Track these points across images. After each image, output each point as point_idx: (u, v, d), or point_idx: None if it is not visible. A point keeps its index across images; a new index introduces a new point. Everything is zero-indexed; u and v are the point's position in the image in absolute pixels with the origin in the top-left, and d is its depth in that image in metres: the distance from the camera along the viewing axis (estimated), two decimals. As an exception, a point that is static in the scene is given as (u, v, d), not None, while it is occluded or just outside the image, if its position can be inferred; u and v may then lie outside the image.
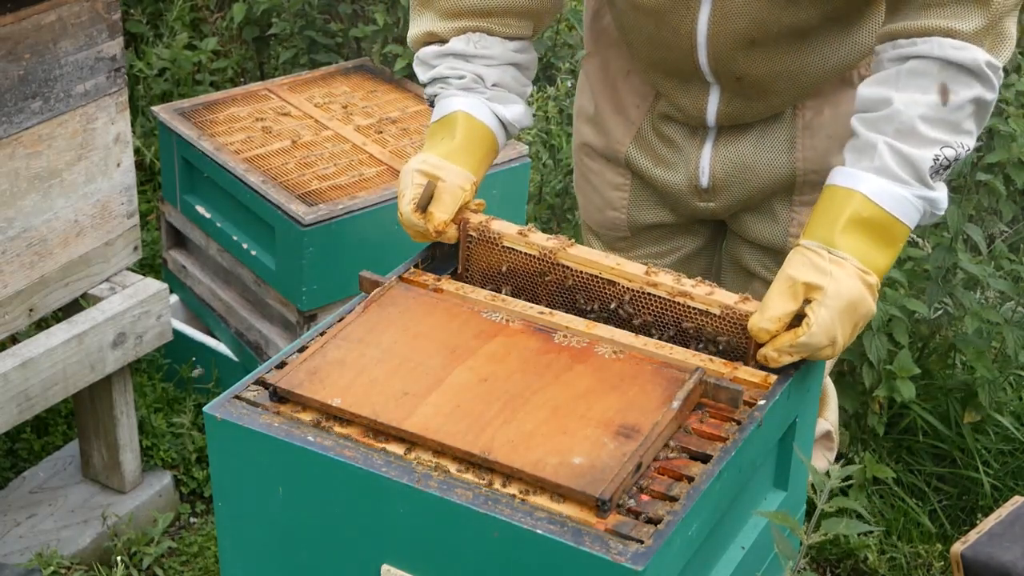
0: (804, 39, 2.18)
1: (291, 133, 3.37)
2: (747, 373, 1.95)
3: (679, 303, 2.03)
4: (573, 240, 2.13)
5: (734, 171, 2.36)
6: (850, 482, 2.99)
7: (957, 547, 2.40)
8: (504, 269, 2.15)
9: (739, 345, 2.00)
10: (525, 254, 2.14)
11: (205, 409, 1.88)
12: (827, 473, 1.77)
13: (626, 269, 2.08)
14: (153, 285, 2.88)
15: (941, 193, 2.01)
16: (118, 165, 2.79)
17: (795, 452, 2.04)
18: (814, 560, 3.02)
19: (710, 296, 2.02)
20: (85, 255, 2.79)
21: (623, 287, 2.07)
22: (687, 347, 2.03)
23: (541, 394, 1.86)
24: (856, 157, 2.01)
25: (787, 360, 1.93)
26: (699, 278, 2.06)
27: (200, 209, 3.37)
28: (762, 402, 1.89)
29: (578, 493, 1.69)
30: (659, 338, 2.05)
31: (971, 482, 3.17)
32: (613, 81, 2.45)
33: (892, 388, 3.10)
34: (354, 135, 3.39)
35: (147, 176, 4.22)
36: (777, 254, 2.41)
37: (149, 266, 3.81)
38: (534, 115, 4.06)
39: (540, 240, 2.13)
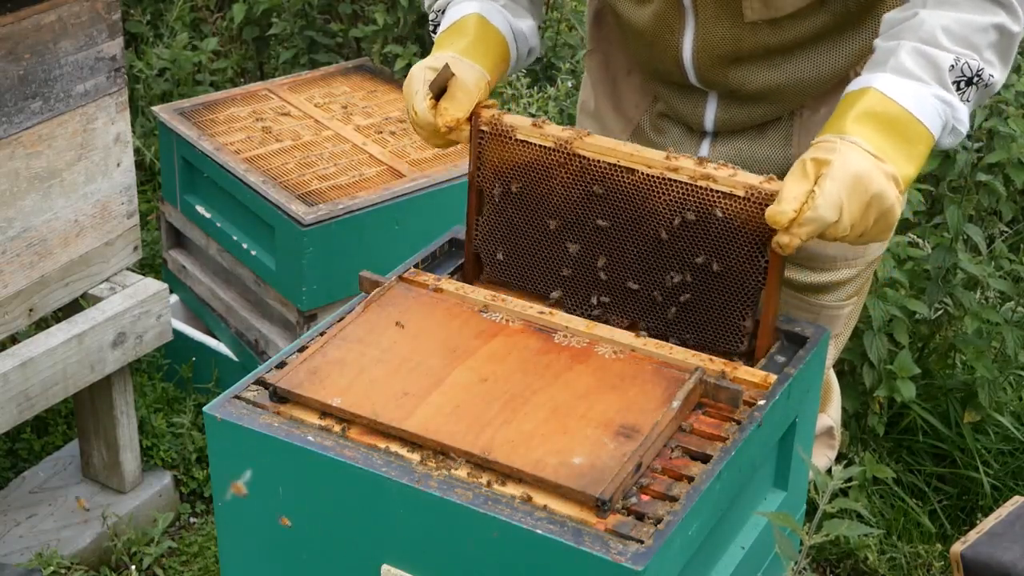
0: (793, 54, 2.19)
1: (291, 133, 3.37)
2: (747, 373, 1.95)
3: (702, 187, 1.96)
4: (588, 131, 2.06)
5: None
6: (851, 483, 2.99)
7: (957, 547, 2.39)
8: (518, 164, 2.09)
9: (763, 230, 1.93)
10: (540, 147, 2.07)
11: (205, 409, 1.88)
12: (828, 471, 1.77)
13: (645, 155, 2.01)
14: (153, 285, 2.88)
15: (964, 107, 1.95)
16: (118, 165, 2.79)
17: (795, 452, 2.04)
18: (814, 560, 3.01)
19: (733, 178, 1.95)
20: (85, 255, 2.79)
21: (643, 174, 2.01)
22: (707, 235, 1.97)
23: (541, 394, 1.86)
24: (872, 67, 1.97)
25: (798, 242, 1.87)
26: (722, 161, 2.00)
27: (200, 209, 3.37)
28: (762, 402, 1.89)
29: (578, 493, 1.69)
30: (679, 224, 1.99)
31: (971, 482, 3.16)
32: (614, 78, 2.46)
33: (892, 388, 3.10)
34: (354, 135, 3.39)
35: (147, 176, 4.22)
36: None
37: (149, 266, 3.81)
38: (533, 115, 4.06)
39: (555, 131, 2.07)
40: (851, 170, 1.85)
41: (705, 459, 1.80)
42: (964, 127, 1.98)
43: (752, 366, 1.99)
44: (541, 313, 2.05)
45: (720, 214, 1.96)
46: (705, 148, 2.35)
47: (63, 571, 2.83)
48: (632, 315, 2.08)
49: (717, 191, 1.95)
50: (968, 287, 3.31)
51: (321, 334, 2.01)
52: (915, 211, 3.21)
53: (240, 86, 3.93)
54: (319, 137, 3.37)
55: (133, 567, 2.87)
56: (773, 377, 1.94)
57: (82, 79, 2.65)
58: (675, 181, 1.98)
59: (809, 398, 2.06)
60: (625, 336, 2.00)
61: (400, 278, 2.13)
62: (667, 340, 2.03)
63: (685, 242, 2.00)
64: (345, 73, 3.76)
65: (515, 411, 1.83)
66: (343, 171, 3.23)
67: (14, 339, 2.87)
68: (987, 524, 2.44)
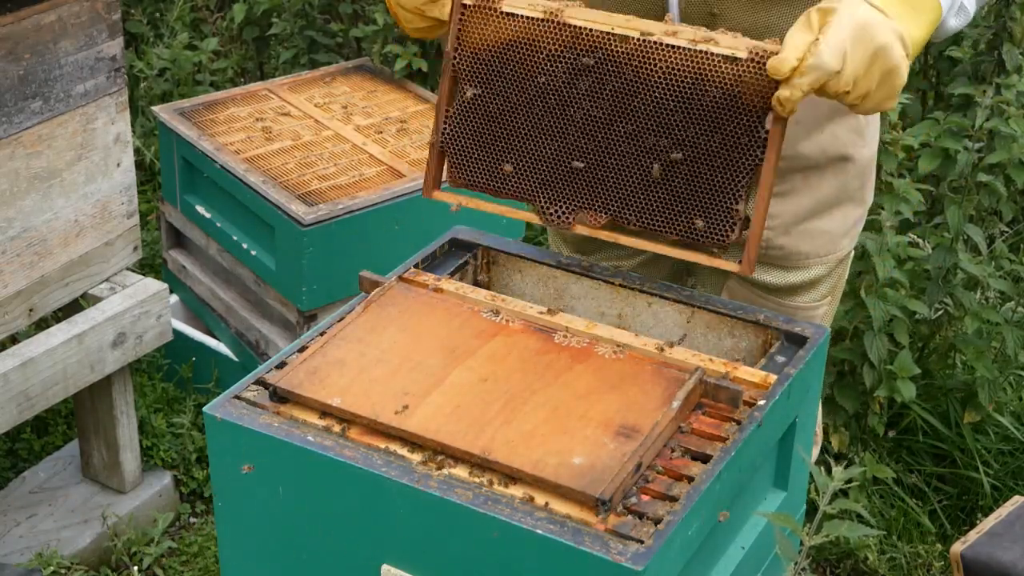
0: None
1: (291, 133, 3.37)
2: (747, 373, 1.95)
3: (702, 51, 1.88)
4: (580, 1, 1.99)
5: None
6: (851, 483, 2.99)
7: (957, 547, 2.39)
8: (502, 41, 1.99)
9: (764, 96, 1.86)
10: (527, 18, 1.98)
11: (205, 409, 1.88)
12: (828, 471, 1.76)
13: (641, 24, 1.92)
14: (153, 285, 2.88)
15: None
16: (118, 165, 2.79)
17: (795, 452, 2.04)
18: (814, 560, 3.02)
19: (736, 40, 1.87)
20: (85, 255, 2.79)
21: (638, 41, 1.91)
22: (703, 105, 1.89)
23: (541, 394, 1.86)
24: None
25: (799, 95, 1.80)
26: (722, 28, 1.93)
27: (200, 209, 3.37)
28: (762, 402, 1.89)
29: (578, 493, 1.69)
30: (675, 94, 1.91)
31: (971, 482, 3.17)
32: None
33: (892, 388, 3.10)
34: (354, 135, 3.39)
35: (147, 176, 4.22)
36: None
37: (149, 266, 3.82)
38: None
39: (544, 1, 1.97)
40: (857, 19, 1.81)
41: (705, 459, 1.79)
42: (972, 7, 1.96)
43: (745, 268, 1.93)
44: (541, 313, 2.05)
45: (720, 79, 1.88)
46: None
47: (63, 571, 2.83)
48: (612, 209, 2.00)
49: (718, 54, 1.88)
50: (968, 287, 3.32)
51: (321, 334, 2.01)
52: (915, 211, 3.22)
53: (240, 86, 3.93)
54: (319, 137, 3.37)
55: (135, 568, 2.87)
56: (773, 377, 1.94)
57: (82, 79, 2.65)
58: (673, 47, 1.90)
59: (809, 398, 2.06)
60: (625, 336, 2.00)
61: (400, 278, 2.13)
62: (652, 235, 1.97)
63: (679, 115, 1.92)
64: (345, 73, 3.76)
65: (515, 411, 1.83)
66: (343, 171, 3.24)
67: (14, 339, 2.87)
68: (987, 524, 2.44)
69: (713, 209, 1.94)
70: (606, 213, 2.01)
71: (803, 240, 2.31)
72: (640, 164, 1.96)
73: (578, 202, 2.02)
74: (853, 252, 2.42)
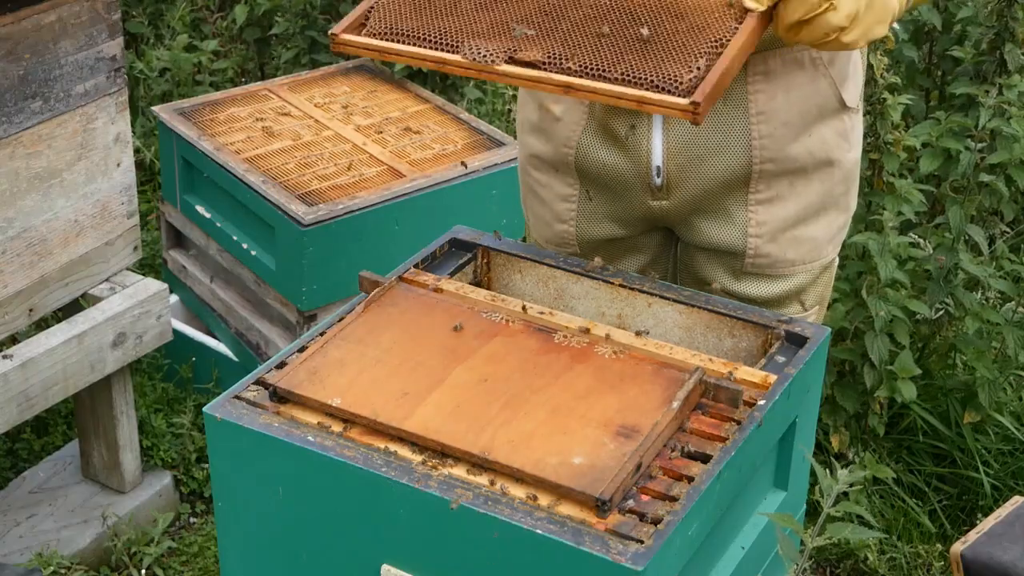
0: None
1: (291, 133, 3.37)
2: (747, 373, 1.95)
3: None
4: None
5: (687, 163, 2.29)
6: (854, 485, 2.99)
7: (957, 547, 2.39)
8: None
9: None
10: None
11: (205, 409, 1.88)
12: (830, 472, 1.76)
13: None
14: (153, 285, 2.88)
15: None
16: (118, 165, 2.79)
17: (794, 452, 2.04)
18: (814, 560, 3.02)
19: None
20: (85, 255, 2.79)
21: None
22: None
23: (541, 394, 1.86)
24: None
25: None
26: None
27: (200, 209, 3.37)
28: (762, 402, 1.89)
29: (578, 493, 1.69)
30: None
31: (971, 482, 3.17)
32: None
33: (893, 388, 3.10)
34: (354, 135, 3.39)
35: (147, 176, 4.22)
36: (735, 258, 2.35)
37: (149, 266, 3.82)
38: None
39: None
40: None
41: (705, 459, 1.79)
42: None
43: (698, 95, 1.76)
44: (541, 313, 2.05)
45: None
46: (658, 139, 2.25)
47: (63, 571, 2.83)
48: (552, 53, 1.85)
49: None
50: (969, 287, 3.32)
51: (321, 334, 2.01)
52: (916, 211, 3.22)
53: (240, 86, 3.93)
54: (319, 137, 3.37)
55: (142, 570, 2.87)
56: (773, 377, 1.94)
57: (82, 79, 2.65)
58: None
59: (809, 398, 2.06)
60: (625, 336, 2.00)
61: (400, 278, 2.13)
62: (595, 77, 1.81)
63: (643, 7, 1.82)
64: (345, 73, 3.76)
65: (515, 411, 1.83)
66: (343, 171, 3.23)
67: (14, 339, 2.87)
68: (987, 524, 2.44)
69: (670, 62, 1.79)
70: (543, 53, 1.82)
71: (789, 247, 2.30)
72: (594, 33, 1.82)
73: (513, 50, 1.85)
74: (837, 259, 2.42)
